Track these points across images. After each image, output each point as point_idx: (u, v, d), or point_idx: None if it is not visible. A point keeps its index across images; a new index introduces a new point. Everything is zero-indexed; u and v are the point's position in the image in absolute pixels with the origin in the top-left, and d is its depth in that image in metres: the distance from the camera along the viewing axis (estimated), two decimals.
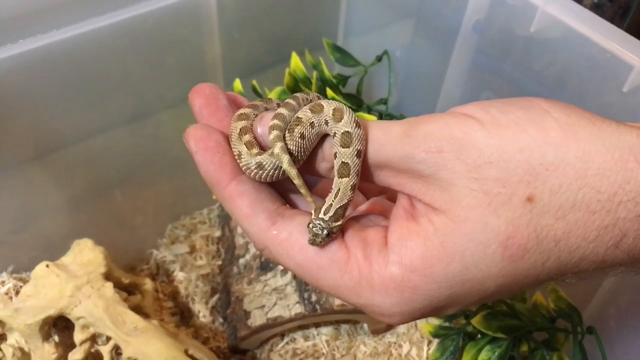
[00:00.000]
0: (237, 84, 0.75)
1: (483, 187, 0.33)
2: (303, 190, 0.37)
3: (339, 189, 0.37)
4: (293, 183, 0.37)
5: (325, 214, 0.36)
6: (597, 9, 1.03)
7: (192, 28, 0.75)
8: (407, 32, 0.81)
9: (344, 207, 0.37)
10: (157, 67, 0.77)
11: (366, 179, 0.37)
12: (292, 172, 0.37)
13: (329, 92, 0.70)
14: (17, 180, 0.75)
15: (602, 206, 0.32)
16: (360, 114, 0.68)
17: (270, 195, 0.39)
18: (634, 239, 0.32)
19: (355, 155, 0.36)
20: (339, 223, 0.36)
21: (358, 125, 0.36)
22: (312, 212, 0.37)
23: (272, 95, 0.74)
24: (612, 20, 0.97)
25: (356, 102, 0.79)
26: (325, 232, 0.36)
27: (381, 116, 0.79)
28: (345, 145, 0.36)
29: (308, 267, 0.37)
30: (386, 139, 0.35)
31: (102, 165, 0.81)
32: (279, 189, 0.40)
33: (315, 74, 0.73)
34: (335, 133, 0.37)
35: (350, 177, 0.36)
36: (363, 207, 0.42)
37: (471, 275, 0.34)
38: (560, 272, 0.34)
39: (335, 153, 0.37)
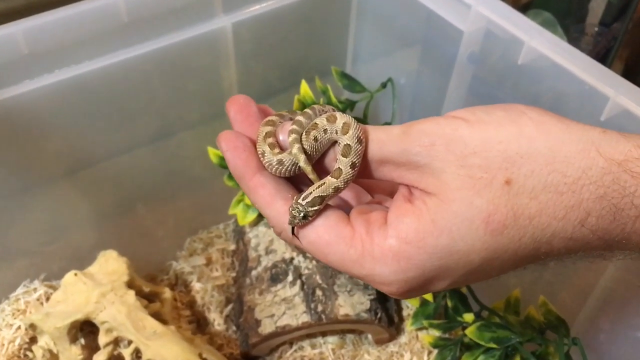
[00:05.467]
0: None
1: (468, 172, 0.39)
2: (317, 183, 0.43)
3: (325, 183, 0.43)
4: (308, 178, 0.44)
5: (304, 199, 0.42)
6: (597, 36, 1.08)
7: (211, 57, 0.81)
8: (411, 60, 0.86)
9: (322, 198, 0.42)
10: (179, 92, 0.83)
11: (371, 176, 0.43)
12: (308, 169, 0.43)
13: None
14: (50, 195, 0.81)
15: (568, 188, 0.37)
16: None
17: (287, 187, 0.45)
18: (597, 219, 0.38)
19: (349, 165, 0.42)
20: (315, 208, 0.42)
21: (359, 141, 0.42)
22: (294, 196, 0.43)
23: None
24: (608, 46, 1.02)
25: None
26: (301, 214, 0.41)
27: None
28: (344, 155, 0.42)
29: (319, 244, 0.42)
30: (388, 138, 0.42)
31: (127, 182, 0.87)
32: (294, 185, 0.46)
33: (322, 100, 0.79)
34: (340, 143, 0.43)
35: (339, 180, 0.42)
36: (368, 200, 0.49)
37: (458, 248, 0.39)
38: (535, 249, 0.39)
39: (337, 159, 0.43)
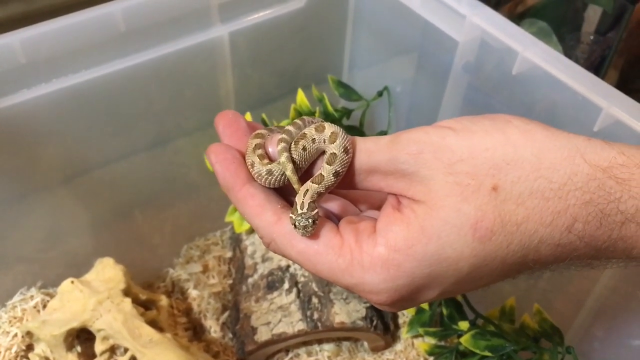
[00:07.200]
0: (248, 116, 0.81)
1: (456, 179, 0.39)
2: (301, 191, 0.43)
3: (307, 190, 0.43)
4: (294, 189, 0.44)
5: (302, 208, 0.42)
6: (593, 45, 1.09)
7: (208, 65, 0.81)
8: (407, 69, 0.86)
9: (313, 201, 0.43)
10: (176, 99, 0.83)
11: (360, 186, 0.44)
12: (294, 179, 0.43)
13: None
14: (47, 202, 0.81)
15: (554, 194, 0.38)
16: None
17: (276, 198, 0.45)
18: (583, 224, 0.38)
19: (332, 173, 0.43)
20: (316, 211, 0.42)
21: (346, 151, 0.42)
22: (290, 212, 0.43)
23: None
24: (602, 55, 1.03)
25: (358, 134, 0.84)
26: (310, 221, 0.41)
27: None
28: (328, 163, 0.43)
29: (307, 254, 0.42)
30: (376, 147, 0.42)
31: (124, 189, 0.87)
32: (283, 197, 0.47)
33: (318, 108, 0.79)
34: (326, 151, 0.43)
35: (320, 185, 0.43)
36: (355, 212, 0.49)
37: (447, 255, 0.39)
38: (523, 256, 0.39)
39: (322, 166, 0.44)
